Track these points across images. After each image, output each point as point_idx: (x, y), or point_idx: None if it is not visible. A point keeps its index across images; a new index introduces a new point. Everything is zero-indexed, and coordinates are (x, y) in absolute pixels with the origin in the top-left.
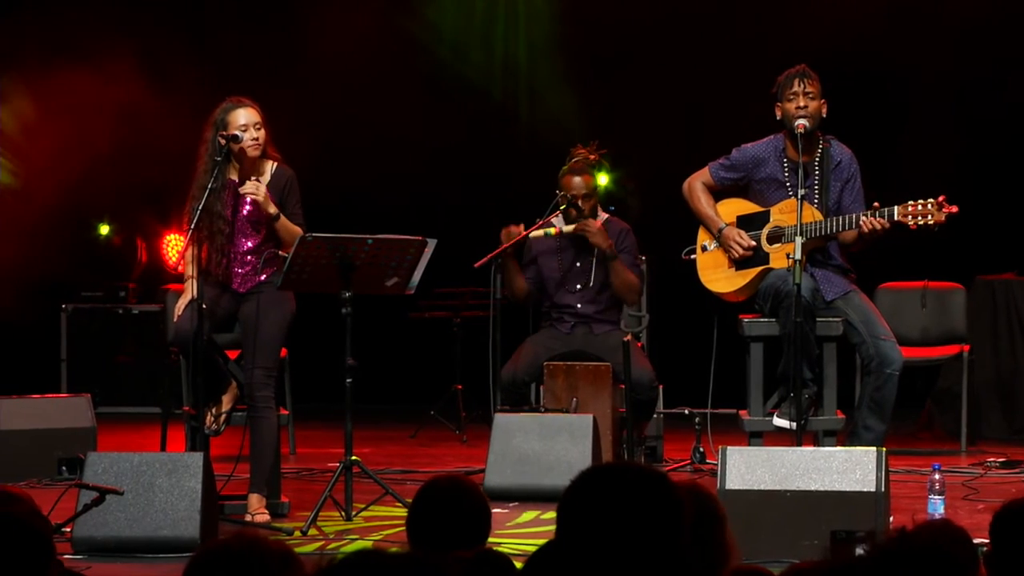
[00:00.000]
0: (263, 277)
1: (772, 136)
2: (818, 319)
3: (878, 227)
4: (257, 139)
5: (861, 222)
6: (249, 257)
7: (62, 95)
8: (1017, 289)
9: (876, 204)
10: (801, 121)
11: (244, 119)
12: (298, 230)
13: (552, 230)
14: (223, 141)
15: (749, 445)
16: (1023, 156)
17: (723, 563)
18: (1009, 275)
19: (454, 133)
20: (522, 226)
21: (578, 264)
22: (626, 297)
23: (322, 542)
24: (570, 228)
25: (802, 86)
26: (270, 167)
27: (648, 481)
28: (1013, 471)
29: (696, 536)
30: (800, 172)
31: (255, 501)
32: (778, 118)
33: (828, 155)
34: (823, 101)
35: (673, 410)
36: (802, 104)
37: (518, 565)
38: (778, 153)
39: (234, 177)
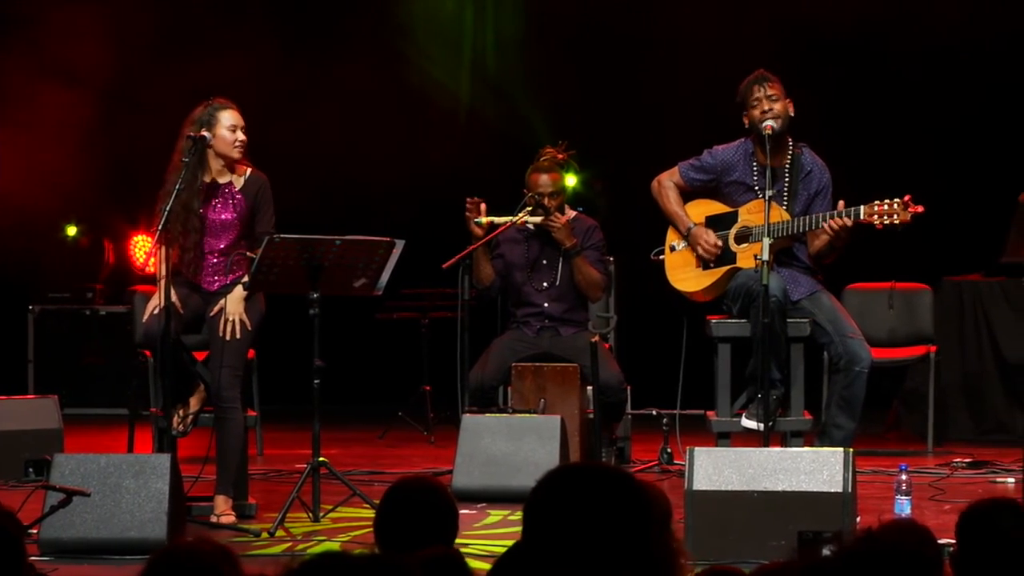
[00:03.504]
0: (231, 278)
1: (742, 139)
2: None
3: (840, 226)
4: (244, 141)
5: (825, 224)
6: (220, 257)
7: (32, 99)
8: (984, 290)
9: (842, 203)
10: (768, 123)
11: (232, 120)
12: None
13: (517, 219)
14: (190, 142)
15: (717, 446)
16: (989, 157)
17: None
18: (976, 276)
19: (421, 133)
20: (484, 207)
21: (544, 261)
22: (589, 293)
23: (290, 543)
24: (536, 219)
25: (763, 90)
26: (245, 173)
27: (614, 480)
28: (979, 472)
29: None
30: (768, 175)
31: (221, 502)
32: (747, 127)
33: (799, 161)
34: (788, 100)
35: (641, 411)
36: (767, 108)
37: (483, 566)
38: (747, 157)
39: (205, 179)
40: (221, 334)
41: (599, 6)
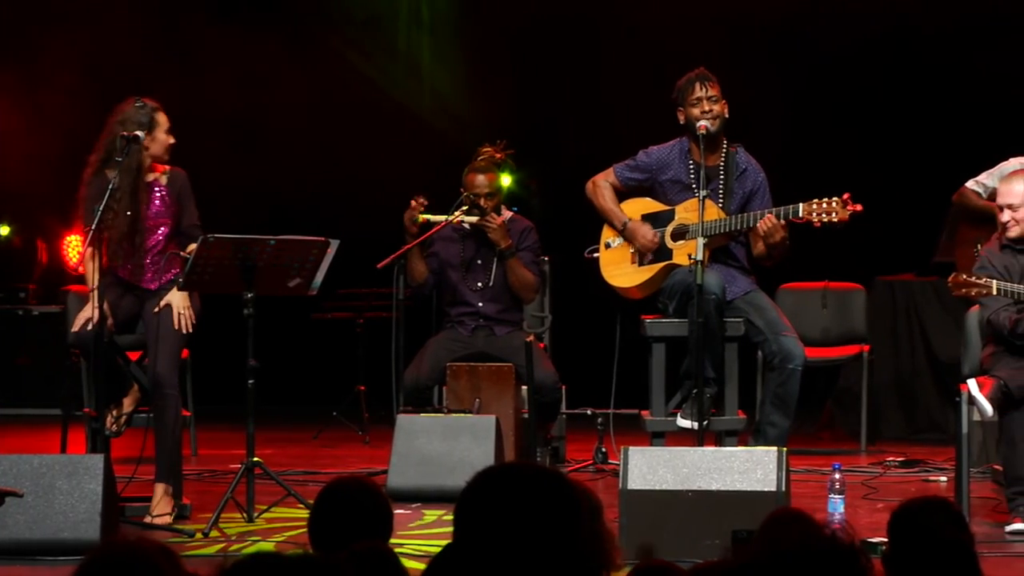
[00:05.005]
0: (167, 277)
1: (677, 139)
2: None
3: (770, 225)
4: (173, 143)
5: (759, 224)
6: (155, 255)
7: None
8: (916, 290)
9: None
10: (703, 123)
11: (168, 123)
12: None
13: (453, 218)
14: (124, 141)
15: (651, 445)
16: (922, 158)
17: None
18: (908, 276)
19: (356, 133)
20: (423, 201)
21: (479, 261)
22: (522, 295)
23: (224, 544)
24: (472, 219)
25: (704, 90)
26: (165, 170)
27: (544, 480)
28: (912, 470)
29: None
30: (703, 174)
31: (160, 491)
32: (681, 122)
33: (733, 160)
34: (724, 102)
35: (576, 411)
36: (707, 108)
37: (419, 566)
38: (683, 155)
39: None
40: (177, 327)
41: (535, 3)
